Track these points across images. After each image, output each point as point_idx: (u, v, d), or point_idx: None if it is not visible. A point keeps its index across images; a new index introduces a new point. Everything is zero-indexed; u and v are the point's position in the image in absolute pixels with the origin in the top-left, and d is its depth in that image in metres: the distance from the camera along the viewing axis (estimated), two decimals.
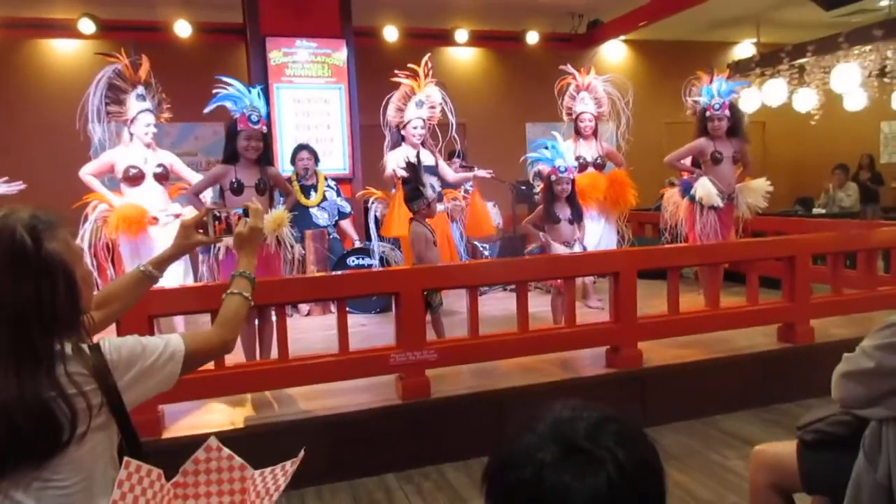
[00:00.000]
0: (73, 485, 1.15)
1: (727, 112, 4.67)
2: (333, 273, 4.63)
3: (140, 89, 4.27)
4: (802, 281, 3.94)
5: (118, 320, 2.40)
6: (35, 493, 1.13)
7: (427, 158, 4.98)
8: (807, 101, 7.85)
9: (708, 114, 4.71)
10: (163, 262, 1.71)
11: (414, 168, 4.16)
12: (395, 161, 4.87)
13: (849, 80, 7.07)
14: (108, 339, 1.27)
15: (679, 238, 4.87)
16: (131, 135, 4.29)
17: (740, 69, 8.46)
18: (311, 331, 4.76)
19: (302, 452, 1.34)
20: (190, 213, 4.18)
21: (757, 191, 4.72)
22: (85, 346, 1.20)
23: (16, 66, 7.49)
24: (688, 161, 4.94)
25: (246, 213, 1.67)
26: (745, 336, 4.02)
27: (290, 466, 1.30)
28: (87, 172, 4.32)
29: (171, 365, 1.33)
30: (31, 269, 1.14)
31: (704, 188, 4.62)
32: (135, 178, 4.25)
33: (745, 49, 9.98)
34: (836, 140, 9.54)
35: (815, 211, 8.32)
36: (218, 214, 1.68)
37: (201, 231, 1.70)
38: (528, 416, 0.75)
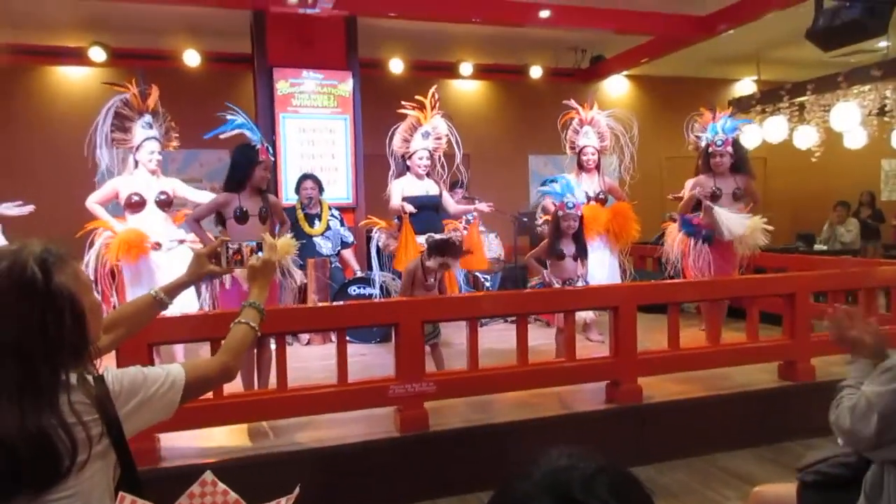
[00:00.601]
0: None
1: (729, 148, 4.72)
2: (334, 303, 4.64)
3: (146, 117, 4.32)
4: (803, 318, 3.93)
5: (117, 348, 2.40)
6: None
7: (431, 189, 5.03)
8: (807, 138, 7.93)
9: (710, 150, 4.75)
10: (175, 290, 1.75)
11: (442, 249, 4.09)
12: (399, 189, 4.91)
13: (848, 118, 7.16)
14: (111, 370, 1.30)
15: (681, 273, 4.88)
16: (136, 162, 4.34)
17: (741, 106, 8.57)
18: (310, 360, 4.74)
19: (297, 490, 1.33)
20: (193, 239, 4.21)
21: (751, 228, 4.71)
22: (89, 377, 1.23)
23: (26, 91, 7.60)
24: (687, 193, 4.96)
25: (260, 246, 1.72)
26: (745, 373, 4.00)
27: (285, 502, 1.30)
28: (93, 201, 4.36)
29: (170, 394, 1.35)
30: (38, 302, 1.17)
31: (727, 219, 4.60)
32: (136, 205, 4.28)
33: (745, 86, 10.12)
34: (837, 177, 9.61)
35: (817, 247, 8.35)
36: (232, 246, 1.73)
37: (214, 261, 1.75)
38: (523, 462, 0.75)
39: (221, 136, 3.97)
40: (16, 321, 1.16)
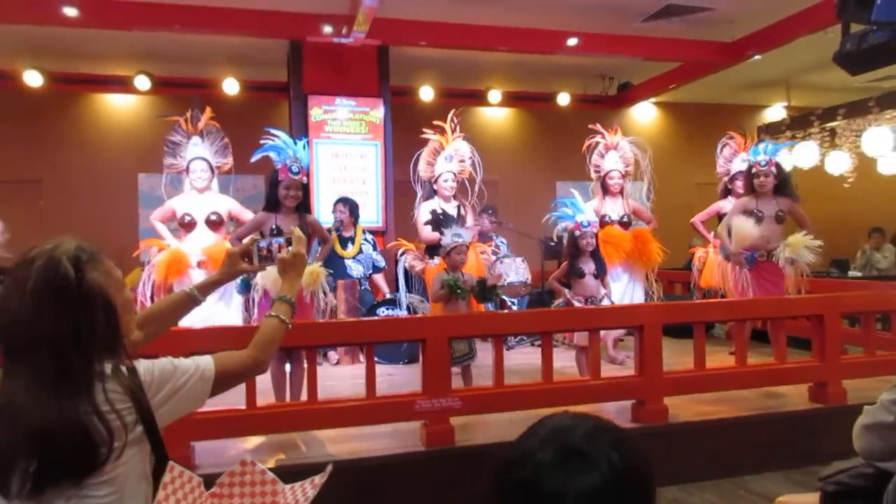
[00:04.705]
0: (109, 494, 1.21)
1: (773, 169, 4.72)
2: (362, 318, 4.73)
3: (195, 139, 4.53)
4: (833, 340, 3.90)
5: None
6: (73, 503, 1.19)
7: (454, 211, 5.12)
8: (840, 163, 7.86)
9: (754, 170, 4.75)
10: (207, 287, 1.78)
11: (437, 219, 4.26)
12: (426, 210, 5.02)
13: (881, 143, 7.09)
14: (143, 361, 1.33)
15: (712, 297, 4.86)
16: (190, 182, 4.54)
17: (771, 131, 8.54)
18: (339, 379, 4.83)
19: (329, 467, 1.40)
20: None
21: (795, 245, 4.65)
22: (123, 368, 1.27)
23: (74, 117, 7.99)
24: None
25: (289, 241, 1.74)
26: (775, 395, 3.97)
27: (318, 480, 1.37)
28: (154, 218, 4.59)
29: (201, 384, 1.38)
30: (72, 299, 1.22)
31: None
32: (188, 225, 4.46)
33: (775, 112, 10.08)
34: (871, 202, 9.45)
35: (851, 273, 8.19)
36: (262, 244, 1.76)
37: (246, 259, 1.78)
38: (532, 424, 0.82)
39: (251, 161, 4.14)
40: (51, 318, 1.20)
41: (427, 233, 4.97)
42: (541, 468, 0.76)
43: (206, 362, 1.41)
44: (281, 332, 1.59)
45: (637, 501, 0.78)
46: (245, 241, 1.85)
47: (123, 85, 7.72)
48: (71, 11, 5.62)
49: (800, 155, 7.97)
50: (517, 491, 0.77)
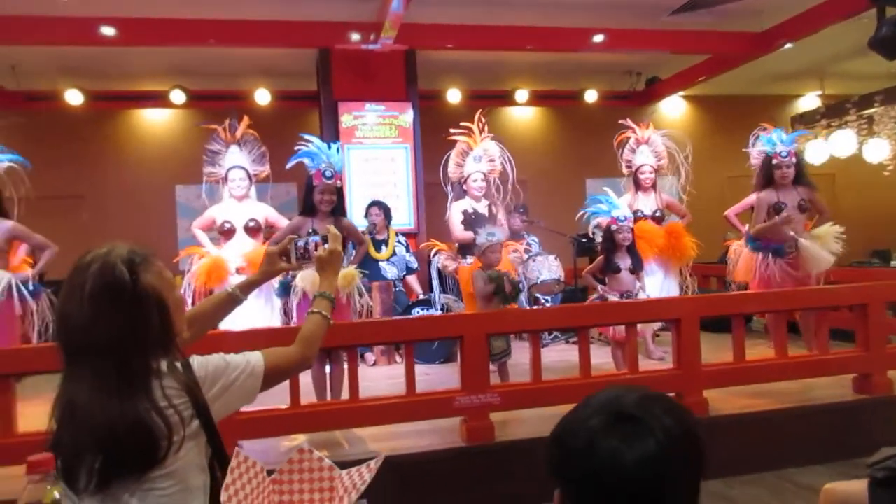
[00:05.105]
0: (171, 486, 1.26)
1: (794, 159, 4.66)
2: (400, 317, 4.79)
3: (233, 147, 4.65)
4: (877, 329, 3.83)
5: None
6: (139, 496, 1.24)
7: (486, 210, 5.15)
8: (878, 151, 7.69)
9: (775, 162, 4.69)
10: (249, 286, 1.83)
11: (470, 219, 4.30)
12: (459, 211, 5.06)
13: None
14: (197, 357, 1.38)
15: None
16: (229, 190, 4.66)
17: (805, 121, 8.40)
18: (377, 380, 4.88)
19: (383, 455, 1.45)
20: None
21: (825, 237, 4.62)
22: (178, 364, 1.32)
23: (112, 133, 8.24)
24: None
25: (325, 239, 1.78)
26: (818, 386, 3.92)
27: (374, 464, 1.42)
28: (195, 226, 4.72)
29: (251, 380, 1.42)
30: (128, 301, 1.27)
31: (812, 256, 4.55)
32: (228, 232, 4.58)
33: (809, 101, 9.89)
34: None
35: (894, 263, 8.00)
36: (299, 243, 1.80)
37: (284, 259, 1.82)
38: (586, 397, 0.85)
39: (286, 167, 4.23)
40: (109, 320, 1.25)
41: (460, 232, 5.01)
42: (595, 435, 0.79)
43: (256, 358, 1.45)
44: (324, 328, 1.63)
45: (692, 465, 0.80)
46: (283, 241, 1.89)
47: (159, 100, 7.94)
48: (108, 31, 5.81)
49: (836, 144, 7.82)
50: (573, 459, 0.80)
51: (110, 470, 1.21)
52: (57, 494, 0.96)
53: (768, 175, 4.75)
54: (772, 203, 4.68)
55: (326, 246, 1.76)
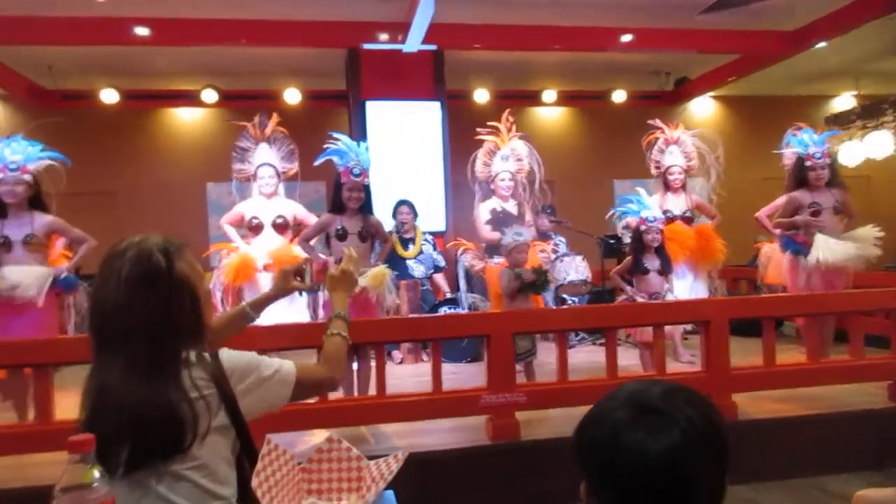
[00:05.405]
0: (200, 477, 1.27)
1: (828, 160, 4.58)
2: (427, 315, 4.81)
3: (263, 145, 4.72)
4: None
5: None
6: (168, 484, 1.26)
7: (514, 210, 5.15)
8: None
9: (808, 163, 4.60)
10: (261, 304, 1.85)
11: (498, 218, 4.31)
12: (486, 211, 5.07)
13: None
14: (226, 350, 1.38)
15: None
16: (258, 187, 4.73)
17: (839, 122, 8.23)
18: (403, 378, 4.91)
19: (408, 451, 1.46)
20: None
21: (866, 239, 4.52)
22: (206, 355, 1.32)
23: (145, 132, 8.41)
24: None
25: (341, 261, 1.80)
26: (851, 392, 3.83)
27: (401, 455, 1.44)
28: (224, 222, 4.80)
29: (282, 388, 1.42)
30: (163, 287, 1.28)
31: (826, 247, 4.44)
32: (256, 228, 4.65)
33: (844, 102, 9.69)
34: None
35: None
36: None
37: (298, 278, 1.85)
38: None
39: (315, 164, 4.28)
40: (144, 305, 1.26)
41: (487, 232, 5.02)
42: (619, 426, 0.80)
43: (288, 365, 1.45)
44: (344, 349, 1.62)
45: (716, 455, 0.80)
46: (298, 261, 1.91)
47: (191, 99, 8.08)
48: (142, 31, 5.94)
49: (871, 145, 7.66)
50: (598, 450, 0.81)
51: (137, 454, 1.22)
52: (97, 473, 1.00)
53: (800, 176, 4.67)
54: (806, 204, 4.60)
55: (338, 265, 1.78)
